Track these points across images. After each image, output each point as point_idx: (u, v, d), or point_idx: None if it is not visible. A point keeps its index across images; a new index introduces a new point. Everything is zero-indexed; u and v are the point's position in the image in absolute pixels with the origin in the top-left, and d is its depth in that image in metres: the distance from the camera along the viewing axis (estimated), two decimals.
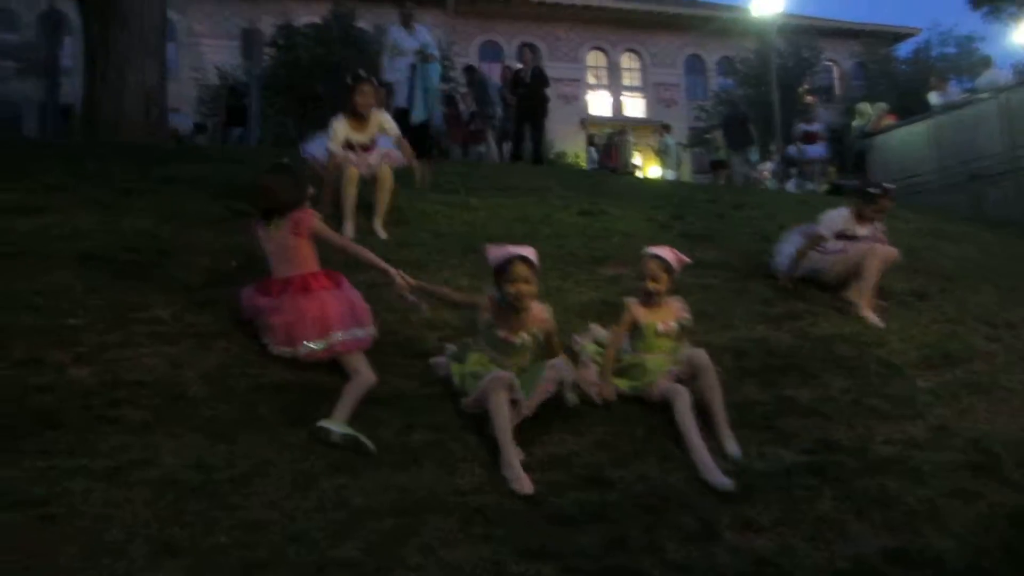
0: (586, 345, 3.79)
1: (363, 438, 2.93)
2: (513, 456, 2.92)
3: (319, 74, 18.17)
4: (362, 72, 5.04)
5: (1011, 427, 3.53)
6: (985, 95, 11.98)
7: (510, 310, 3.30)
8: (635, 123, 33.55)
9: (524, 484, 2.82)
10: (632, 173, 16.95)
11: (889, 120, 14.19)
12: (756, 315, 4.51)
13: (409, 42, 9.66)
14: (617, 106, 37.57)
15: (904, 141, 13.15)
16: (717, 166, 15.24)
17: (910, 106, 16.91)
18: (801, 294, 4.89)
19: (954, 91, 14.67)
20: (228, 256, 4.39)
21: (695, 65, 38.47)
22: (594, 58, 37.69)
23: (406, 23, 9.80)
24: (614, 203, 7.00)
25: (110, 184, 5.66)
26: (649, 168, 22.85)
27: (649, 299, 3.66)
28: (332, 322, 3.33)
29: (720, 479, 2.98)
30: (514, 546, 2.52)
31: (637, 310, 3.65)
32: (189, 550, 2.32)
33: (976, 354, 4.23)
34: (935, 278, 5.45)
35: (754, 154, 15.82)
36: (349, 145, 5.09)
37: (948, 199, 11.47)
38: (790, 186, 16.37)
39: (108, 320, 3.55)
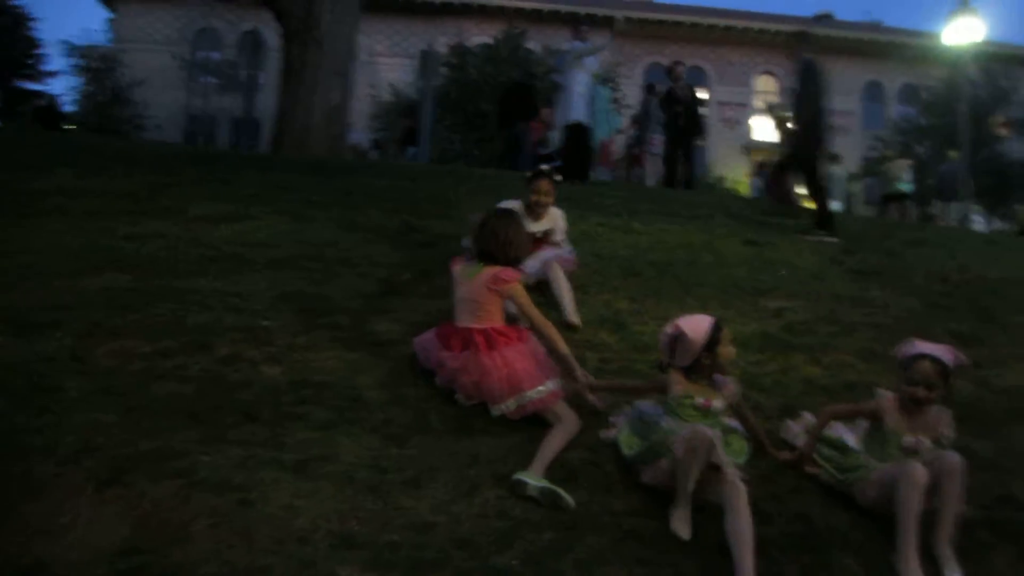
0: (800, 434, 3.39)
1: (562, 492, 2.82)
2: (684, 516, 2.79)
3: (487, 92, 18.83)
4: (544, 167, 4.63)
5: None
6: None
7: (699, 380, 3.14)
8: None
9: (683, 529, 2.77)
10: (798, 204, 16.32)
11: None
12: None
13: (588, 60, 9.69)
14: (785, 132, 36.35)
15: None
16: (890, 199, 14.40)
17: None
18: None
19: None
20: (403, 269, 4.69)
21: (874, 92, 36.60)
22: (764, 83, 36.68)
23: (582, 40, 9.83)
24: (779, 234, 6.84)
25: (297, 195, 6.18)
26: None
27: (909, 407, 3.07)
28: (521, 380, 3.21)
29: None
30: (667, 570, 2.56)
31: (890, 409, 3.08)
32: (365, 544, 2.52)
33: None
34: None
35: (957, 210, 15.14)
36: None
37: None
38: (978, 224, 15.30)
39: (296, 323, 3.89)
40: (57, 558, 2.35)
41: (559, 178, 4.61)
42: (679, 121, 11.27)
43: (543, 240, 4.55)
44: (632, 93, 21.52)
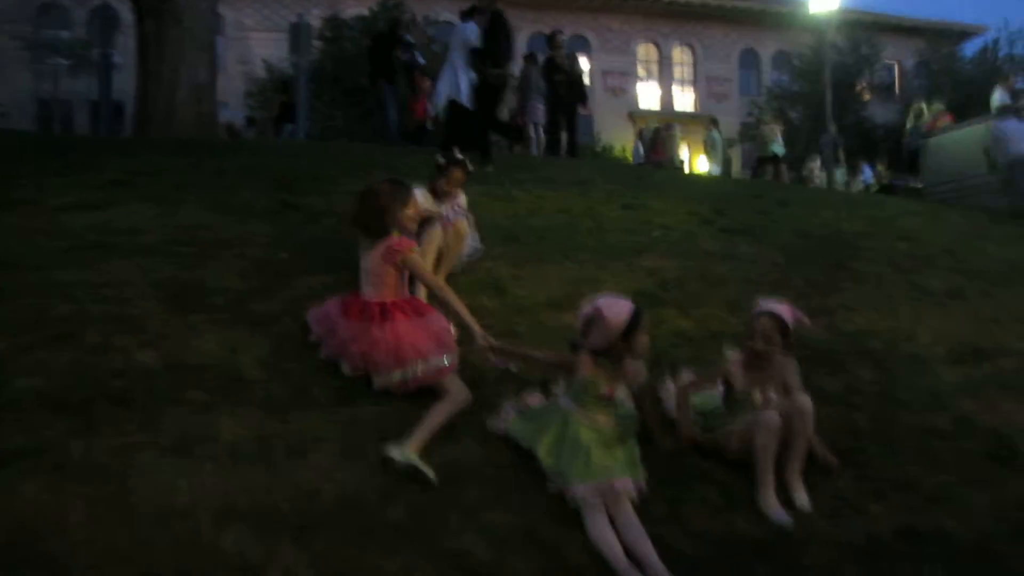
0: (674, 394, 3.50)
1: (424, 468, 2.84)
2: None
3: (365, 66, 18.47)
4: (457, 154, 4.49)
5: None
6: None
7: (608, 364, 3.13)
8: (685, 117, 33.32)
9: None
10: (678, 168, 16.94)
11: (946, 121, 13.96)
12: None
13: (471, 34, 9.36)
14: (667, 99, 37.35)
15: (959, 142, 12.89)
16: (764, 162, 15.13)
17: (974, 107, 16.57)
18: None
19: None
20: (280, 248, 4.64)
21: (749, 59, 38.00)
22: (645, 51, 37.46)
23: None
24: (656, 197, 7.12)
25: (165, 178, 5.96)
26: (697, 161, 22.71)
27: (754, 360, 3.28)
28: (407, 354, 3.23)
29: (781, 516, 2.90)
30: (544, 515, 2.71)
31: (736, 370, 3.28)
32: (250, 514, 2.56)
33: (1008, 352, 4.28)
34: (974, 278, 5.46)
35: (842, 175, 16.00)
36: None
37: (1000, 202, 11.24)
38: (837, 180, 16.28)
39: (169, 308, 3.81)
40: None
41: (471, 168, 4.52)
42: (560, 90, 11.43)
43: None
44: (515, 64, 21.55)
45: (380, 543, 2.54)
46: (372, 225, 3.51)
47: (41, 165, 6.12)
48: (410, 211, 3.62)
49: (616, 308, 3.14)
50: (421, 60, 12.50)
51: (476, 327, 3.37)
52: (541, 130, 12.12)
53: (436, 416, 3.08)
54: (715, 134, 17.59)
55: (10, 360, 3.20)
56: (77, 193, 5.27)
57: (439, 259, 4.19)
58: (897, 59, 34.50)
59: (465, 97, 8.17)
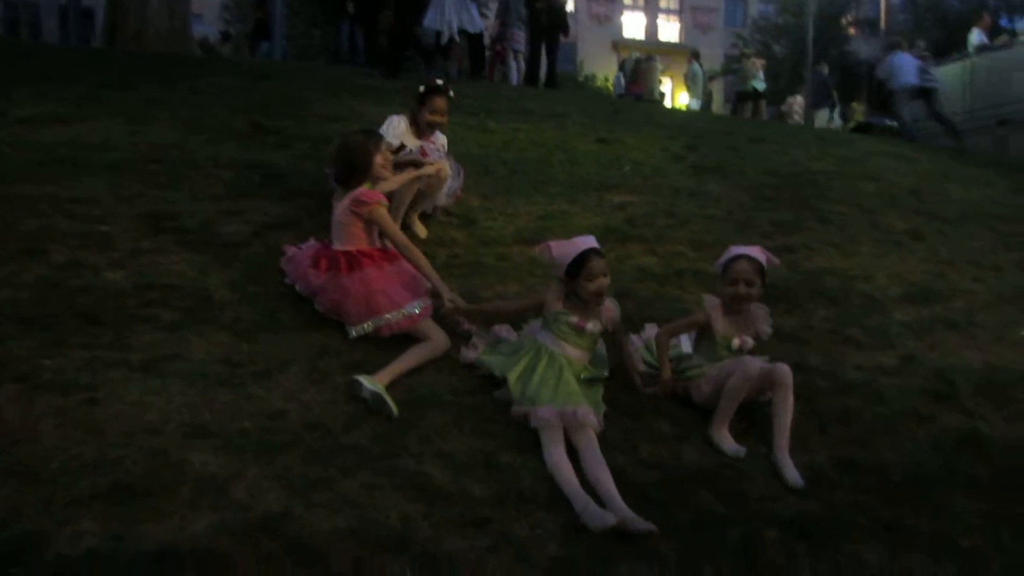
0: (641, 348, 3.50)
1: (389, 400, 2.87)
2: (584, 496, 2.63)
3: None
4: (439, 81, 4.33)
5: (975, 361, 3.76)
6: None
7: (580, 302, 3.14)
8: (669, 48, 32.89)
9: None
10: (658, 101, 16.80)
11: None
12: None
13: None
14: (652, 29, 36.78)
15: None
16: (744, 97, 15.05)
17: (958, 44, 16.48)
18: None
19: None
20: (252, 171, 4.64)
21: None
22: None
23: None
24: (631, 132, 7.12)
25: (136, 95, 5.87)
26: (679, 95, 22.51)
27: (735, 306, 3.26)
28: (379, 302, 3.24)
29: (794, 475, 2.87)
30: (501, 440, 2.83)
31: (716, 316, 3.25)
32: (218, 433, 2.64)
33: (957, 293, 4.43)
34: (935, 219, 5.59)
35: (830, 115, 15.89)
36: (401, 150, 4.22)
37: (974, 142, 11.38)
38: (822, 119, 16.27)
39: (139, 228, 3.83)
40: None
41: (452, 94, 4.35)
42: (541, 17, 11.21)
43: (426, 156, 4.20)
44: None
45: (342, 464, 2.63)
46: (344, 178, 3.50)
47: (8, 73, 5.98)
48: (378, 159, 3.56)
49: (563, 248, 3.15)
50: None
51: (444, 288, 3.36)
52: (521, 59, 11.92)
53: (411, 357, 3.11)
54: (696, 67, 17.40)
55: None
56: (46, 104, 5.20)
57: (415, 200, 4.12)
58: None
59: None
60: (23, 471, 2.38)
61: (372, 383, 2.90)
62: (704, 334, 3.31)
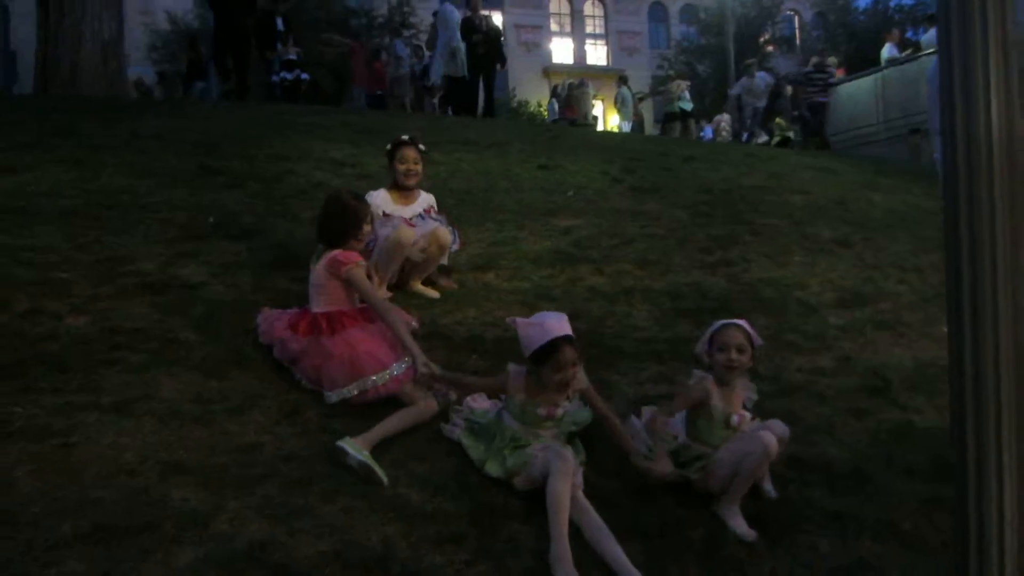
0: (643, 431, 3.19)
1: (378, 469, 2.78)
2: (567, 551, 2.54)
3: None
4: (404, 136, 4.21)
5: (905, 357, 4.04)
6: (929, 51, 12.46)
7: (548, 389, 2.93)
8: (598, 71, 33.62)
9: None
10: (592, 125, 17.25)
11: (839, 74, 14.67)
12: (694, 262, 4.97)
13: None
14: (580, 54, 37.58)
15: (852, 95, 13.66)
16: (672, 118, 15.57)
17: (869, 57, 17.36)
18: None
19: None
20: (205, 213, 4.70)
21: (658, 13, 38.54)
22: (557, 4, 37.48)
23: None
24: (570, 157, 7.38)
25: (79, 141, 5.87)
26: (611, 118, 23.09)
27: (727, 376, 3.03)
28: (364, 364, 3.14)
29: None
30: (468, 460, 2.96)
31: (713, 390, 3.02)
32: (195, 469, 2.70)
33: (885, 295, 4.74)
34: (860, 227, 5.94)
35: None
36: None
37: (891, 151, 12.03)
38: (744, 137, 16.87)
39: (97, 273, 3.86)
40: None
41: (423, 147, 4.24)
42: (478, 49, 11.55)
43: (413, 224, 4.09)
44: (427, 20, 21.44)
45: (320, 491, 2.71)
46: (330, 237, 3.46)
47: None
48: (367, 227, 3.55)
49: (530, 330, 2.94)
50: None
51: (419, 353, 3.19)
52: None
53: (397, 420, 3.01)
54: (624, 91, 17.96)
55: None
56: None
57: (416, 267, 4.08)
58: (796, 11, 35.61)
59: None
60: (4, 517, 2.41)
61: (358, 450, 2.80)
62: (698, 413, 3.05)
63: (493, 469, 2.89)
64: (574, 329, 3.44)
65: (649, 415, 3.22)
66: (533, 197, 5.90)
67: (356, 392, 3.13)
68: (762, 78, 15.56)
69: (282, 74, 12.40)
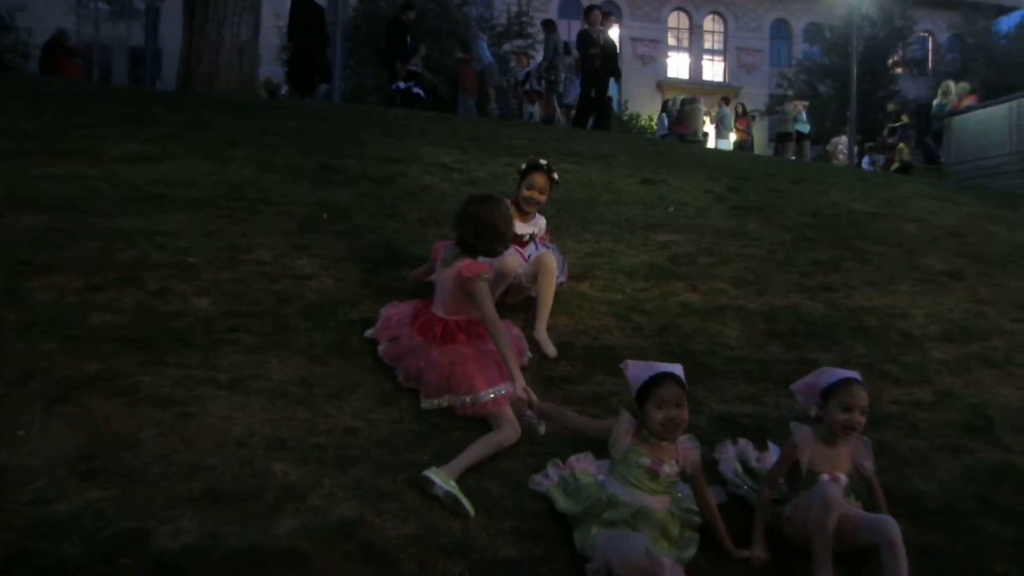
0: (734, 461, 3.15)
1: (464, 501, 2.74)
2: None
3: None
4: (542, 161, 4.16)
5: (1011, 398, 3.87)
6: None
7: (652, 437, 2.78)
8: (713, 87, 33.14)
9: None
10: (702, 141, 17.06)
11: (971, 100, 14.00)
12: (793, 285, 4.90)
13: None
14: (696, 69, 37.12)
15: (983, 122, 12.96)
16: (784, 139, 15.23)
17: (1010, 83, 16.45)
18: None
19: None
20: (320, 208, 4.98)
21: (780, 30, 37.66)
22: (676, 19, 37.17)
23: None
24: (675, 173, 7.36)
25: (213, 135, 6.31)
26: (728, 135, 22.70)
27: (841, 435, 2.84)
28: (459, 382, 3.19)
29: None
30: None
31: (805, 446, 2.82)
32: (296, 446, 2.92)
33: (997, 333, 4.54)
34: (976, 260, 5.69)
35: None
36: None
37: (1022, 183, 11.36)
38: (865, 163, 16.34)
39: (221, 259, 4.17)
40: (17, 465, 2.64)
41: (556, 177, 4.20)
42: (595, 62, 11.68)
43: (529, 243, 4.14)
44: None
45: (407, 477, 2.86)
46: (475, 246, 3.42)
47: (97, 116, 6.47)
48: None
49: (638, 369, 2.85)
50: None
51: (520, 378, 3.16)
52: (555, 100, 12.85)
53: (481, 447, 3.01)
54: (725, 110, 17.71)
55: (86, 297, 3.59)
56: (134, 145, 5.64)
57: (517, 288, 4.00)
58: (930, 32, 34.03)
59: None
60: (128, 474, 2.68)
61: (445, 480, 2.78)
62: (792, 469, 2.89)
63: (578, 539, 2.71)
64: (663, 343, 3.50)
65: (744, 445, 3.20)
66: (633, 211, 5.94)
67: (446, 405, 3.22)
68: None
69: (399, 83, 13.01)
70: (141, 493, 2.61)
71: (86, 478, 2.63)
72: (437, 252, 3.59)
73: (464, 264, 3.35)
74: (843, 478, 2.82)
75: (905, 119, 16.19)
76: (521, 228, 4.06)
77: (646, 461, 2.73)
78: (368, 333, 3.62)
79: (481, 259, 3.43)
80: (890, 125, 16.62)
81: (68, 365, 3.12)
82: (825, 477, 2.77)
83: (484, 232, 3.41)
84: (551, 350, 3.79)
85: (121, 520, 2.48)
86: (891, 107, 19.10)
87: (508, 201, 3.87)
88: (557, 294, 4.05)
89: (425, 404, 3.23)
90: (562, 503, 2.82)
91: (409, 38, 13.39)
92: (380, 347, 3.50)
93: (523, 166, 4.19)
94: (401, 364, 3.37)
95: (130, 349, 3.29)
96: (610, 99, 12.32)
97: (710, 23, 37.43)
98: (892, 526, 2.63)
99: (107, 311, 3.53)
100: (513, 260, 3.82)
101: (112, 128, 6.02)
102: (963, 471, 3.31)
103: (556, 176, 4.19)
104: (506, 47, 21.91)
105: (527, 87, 13.76)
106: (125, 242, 4.12)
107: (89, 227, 4.24)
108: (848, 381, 2.88)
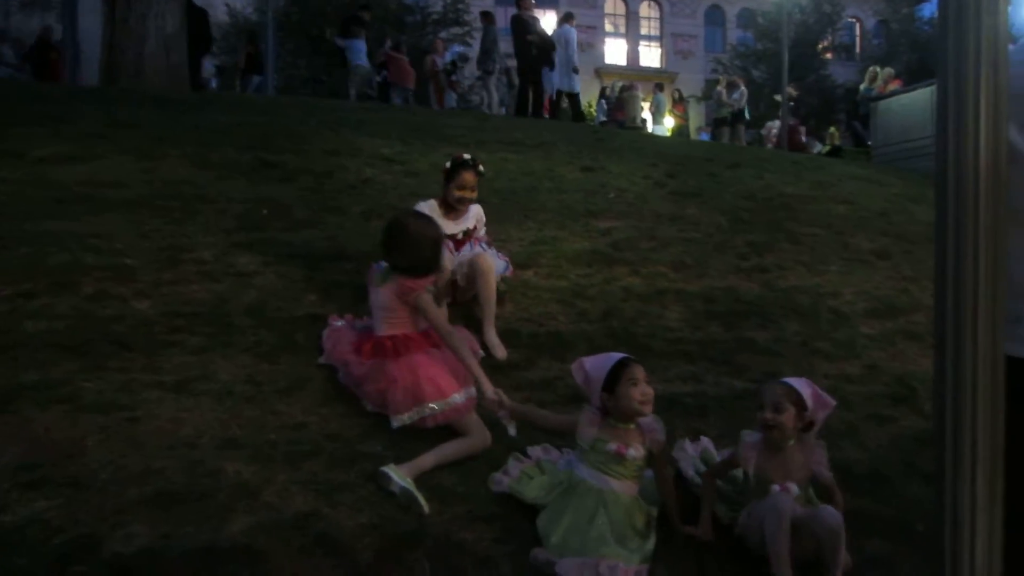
0: (695, 459, 3.17)
1: (420, 497, 2.77)
2: None
3: (331, 15, 18.42)
4: (467, 156, 4.09)
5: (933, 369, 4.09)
6: None
7: (619, 423, 2.84)
8: (651, 73, 33.51)
9: None
10: (641, 128, 17.30)
11: (894, 85, 14.50)
12: (730, 267, 5.07)
13: None
14: (633, 55, 37.48)
15: (906, 106, 13.41)
16: (721, 123, 15.55)
17: (932, 67, 17.06)
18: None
19: None
20: (259, 205, 4.94)
21: (715, 16, 38.21)
22: (612, 5, 37.40)
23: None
24: (615, 160, 7.49)
25: (143, 132, 6.17)
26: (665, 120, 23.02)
27: (772, 443, 2.79)
28: (424, 391, 3.10)
29: None
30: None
31: (748, 454, 2.82)
32: (247, 444, 2.92)
33: (920, 307, 4.78)
34: (901, 240, 5.96)
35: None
36: None
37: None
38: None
39: (160, 260, 4.11)
40: None
41: (483, 169, 4.14)
42: (532, 50, 11.74)
43: (464, 241, 4.12)
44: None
45: (360, 469, 2.91)
46: (412, 269, 3.33)
47: (17, 115, 6.26)
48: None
49: (598, 362, 2.90)
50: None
51: (485, 380, 3.13)
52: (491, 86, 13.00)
53: (446, 451, 3.00)
54: (660, 97, 18.03)
55: (18, 305, 3.50)
56: (59, 145, 5.47)
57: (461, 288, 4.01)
58: (858, 18, 34.98)
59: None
60: (75, 482, 2.64)
61: (402, 477, 2.80)
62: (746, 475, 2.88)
63: (542, 523, 2.78)
64: (607, 327, 3.61)
65: (705, 443, 3.25)
66: (575, 198, 6.03)
67: (416, 418, 3.11)
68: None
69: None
70: (89, 500, 2.58)
71: (30, 488, 2.58)
72: (372, 274, 3.51)
73: (405, 279, 3.28)
74: (794, 488, 2.74)
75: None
76: (452, 227, 4.03)
77: (612, 447, 2.79)
78: (321, 360, 3.49)
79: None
80: None
81: (3, 375, 3.04)
82: (776, 488, 2.73)
83: (422, 252, 3.34)
84: (501, 352, 3.76)
85: (70, 528, 2.46)
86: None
87: (434, 201, 4.00)
88: (504, 282, 4.11)
89: (395, 422, 3.11)
90: (530, 493, 2.87)
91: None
92: (339, 374, 3.39)
93: (448, 164, 4.09)
94: (361, 390, 3.26)
95: (69, 356, 3.23)
96: (576, 95, 12.86)
97: (646, 9, 37.82)
98: (831, 514, 2.64)
99: (42, 318, 3.44)
100: (446, 260, 3.76)
101: (35, 127, 5.83)
102: (890, 439, 3.50)
103: (482, 168, 4.13)
104: (443, 34, 21.79)
105: (453, 77, 13.86)
106: (56, 246, 4.02)
107: (17, 232, 4.12)
108: (770, 383, 2.92)
